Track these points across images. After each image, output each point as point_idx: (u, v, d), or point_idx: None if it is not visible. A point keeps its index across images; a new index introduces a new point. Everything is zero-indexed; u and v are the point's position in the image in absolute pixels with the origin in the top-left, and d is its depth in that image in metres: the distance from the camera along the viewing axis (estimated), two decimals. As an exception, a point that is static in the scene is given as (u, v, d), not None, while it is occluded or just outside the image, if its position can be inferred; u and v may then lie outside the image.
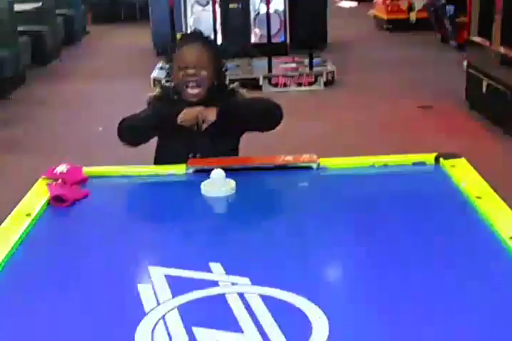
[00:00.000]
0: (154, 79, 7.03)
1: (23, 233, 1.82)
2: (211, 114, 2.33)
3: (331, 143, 5.21)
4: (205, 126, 2.37)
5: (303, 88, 6.90)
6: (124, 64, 8.73)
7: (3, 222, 1.94)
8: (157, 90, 2.55)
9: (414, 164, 2.27)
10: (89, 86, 7.58)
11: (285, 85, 6.90)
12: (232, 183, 2.07)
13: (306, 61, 7.20)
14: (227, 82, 2.53)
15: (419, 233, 1.81)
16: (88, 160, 4.79)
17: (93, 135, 5.72)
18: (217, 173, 2.06)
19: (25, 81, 7.62)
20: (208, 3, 7.82)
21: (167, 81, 2.53)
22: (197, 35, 2.53)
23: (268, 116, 2.43)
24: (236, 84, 2.55)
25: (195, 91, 2.41)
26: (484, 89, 5.55)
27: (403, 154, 2.34)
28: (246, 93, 2.55)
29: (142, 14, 11.22)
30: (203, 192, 2.05)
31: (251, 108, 2.42)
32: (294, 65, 7.36)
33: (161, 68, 7.39)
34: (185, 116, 2.33)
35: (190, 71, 2.38)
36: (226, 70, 2.53)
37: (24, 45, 7.64)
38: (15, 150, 5.41)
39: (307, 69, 7.05)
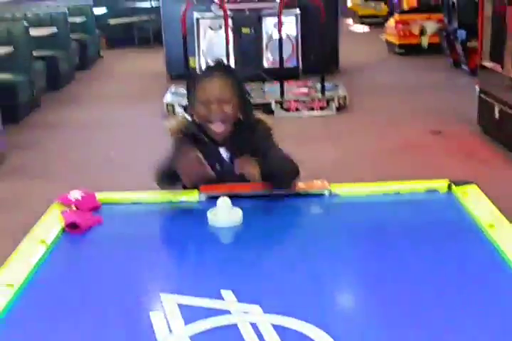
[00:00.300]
0: (167, 104, 7.07)
1: (39, 260, 1.83)
2: (255, 172, 2.15)
3: (343, 168, 5.21)
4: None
5: (315, 113, 6.92)
6: (137, 88, 8.80)
7: (15, 248, 1.96)
8: (174, 121, 2.46)
9: (426, 191, 2.27)
10: (103, 110, 7.65)
11: (297, 110, 6.92)
12: (239, 212, 2.07)
13: (318, 85, 7.23)
14: (252, 112, 2.42)
15: (431, 262, 1.80)
16: (100, 185, 4.84)
17: (105, 159, 5.75)
18: (223, 201, 2.06)
19: (39, 106, 7.70)
20: (220, 27, 7.89)
21: (185, 109, 2.51)
22: (219, 66, 2.40)
23: (289, 179, 2.26)
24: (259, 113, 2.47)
25: (220, 128, 2.32)
26: (497, 115, 5.56)
27: (415, 180, 2.34)
28: (269, 120, 2.46)
29: (155, 39, 11.34)
30: (209, 221, 2.06)
31: (278, 168, 2.22)
32: (305, 90, 7.39)
33: (174, 93, 7.45)
34: (184, 167, 2.15)
35: (213, 107, 2.28)
36: (250, 97, 2.42)
37: (39, 70, 7.72)
38: (27, 175, 5.44)
39: (319, 94, 7.08)
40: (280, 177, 2.21)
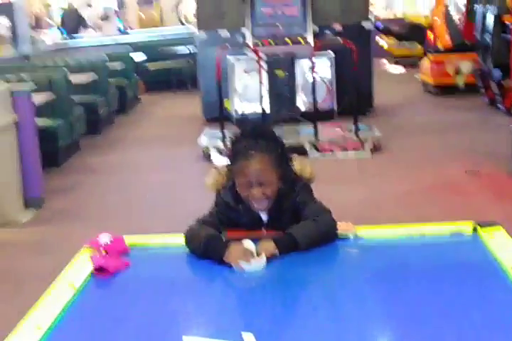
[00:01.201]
0: (203, 147, 7.17)
1: (66, 303, 1.88)
2: (272, 248, 2.15)
3: (377, 208, 5.20)
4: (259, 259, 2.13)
5: (349, 154, 6.94)
6: (174, 131, 8.95)
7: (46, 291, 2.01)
8: (213, 179, 2.45)
9: (451, 233, 2.27)
10: (141, 153, 7.78)
11: (331, 151, 6.96)
12: (262, 257, 2.11)
13: (352, 127, 7.26)
14: (292, 174, 2.37)
15: (456, 305, 1.80)
16: (136, 228, 4.91)
17: (142, 203, 5.84)
18: (247, 244, 2.13)
19: (79, 150, 7.87)
20: (254, 71, 8.01)
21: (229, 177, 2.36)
22: (255, 138, 2.28)
23: (325, 241, 2.26)
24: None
25: (261, 206, 2.31)
26: (532, 153, 5.52)
27: (440, 222, 2.35)
28: (307, 169, 2.45)
29: (192, 83, 11.55)
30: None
31: (309, 237, 2.21)
32: (340, 131, 7.44)
33: (208, 135, 7.55)
34: (231, 257, 2.12)
35: (256, 194, 2.25)
36: (291, 162, 2.36)
37: (79, 114, 7.92)
38: (64, 219, 5.54)
39: (353, 136, 7.11)
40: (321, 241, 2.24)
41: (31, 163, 5.78)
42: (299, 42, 7.87)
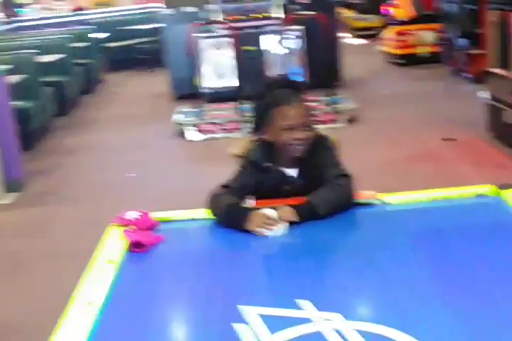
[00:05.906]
0: (177, 124, 7.14)
1: (112, 280, 1.88)
2: (291, 214, 2.19)
3: (362, 178, 5.24)
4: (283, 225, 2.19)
5: (327, 126, 6.97)
6: (142, 110, 8.86)
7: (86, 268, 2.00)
8: (237, 148, 2.48)
9: (476, 196, 2.32)
10: (113, 133, 7.70)
11: (309, 124, 6.97)
12: (283, 222, 2.16)
13: (326, 99, 7.29)
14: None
15: (493, 265, 1.85)
16: (126, 205, 4.86)
17: (125, 181, 5.80)
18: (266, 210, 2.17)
19: (50, 131, 7.75)
20: (223, 47, 7.96)
21: (255, 130, 2.42)
22: (289, 85, 2.39)
23: (345, 206, 2.30)
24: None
25: (300, 149, 2.36)
26: (508, 120, 5.62)
27: (462, 186, 2.40)
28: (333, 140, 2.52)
29: (155, 61, 11.42)
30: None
31: (328, 204, 2.25)
32: (314, 104, 7.45)
33: (182, 113, 7.51)
34: (253, 224, 2.16)
35: (297, 133, 2.32)
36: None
37: (49, 96, 7.78)
38: (50, 200, 5.47)
39: (328, 108, 7.14)
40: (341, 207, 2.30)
41: (9, 145, 5.68)
42: (269, 17, 7.85)
